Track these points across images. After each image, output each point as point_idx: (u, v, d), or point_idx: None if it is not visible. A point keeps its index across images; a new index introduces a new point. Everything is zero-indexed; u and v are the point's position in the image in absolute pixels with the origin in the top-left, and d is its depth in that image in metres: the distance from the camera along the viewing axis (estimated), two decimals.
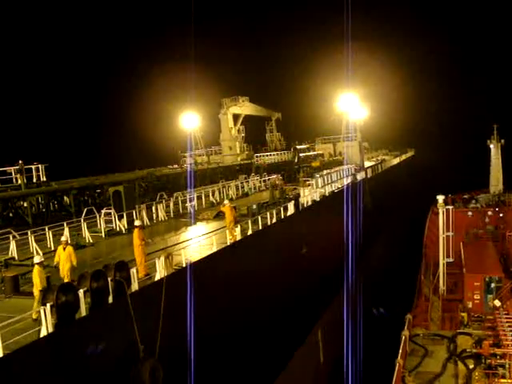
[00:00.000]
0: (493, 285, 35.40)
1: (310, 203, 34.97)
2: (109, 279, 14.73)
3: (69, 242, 19.25)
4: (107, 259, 22.60)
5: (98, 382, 13.61)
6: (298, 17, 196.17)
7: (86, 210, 29.27)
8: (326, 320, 33.03)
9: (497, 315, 31.54)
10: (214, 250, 21.34)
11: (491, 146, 64.32)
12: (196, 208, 36.64)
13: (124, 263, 15.92)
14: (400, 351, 27.74)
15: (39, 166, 34.52)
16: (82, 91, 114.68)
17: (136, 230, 19.78)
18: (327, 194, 39.60)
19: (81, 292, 13.70)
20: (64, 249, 18.70)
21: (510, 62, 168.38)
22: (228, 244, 22.64)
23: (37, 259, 16.15)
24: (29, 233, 24.92)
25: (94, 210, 29.68)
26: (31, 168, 34.21)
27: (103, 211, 29.21)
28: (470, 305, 35.33)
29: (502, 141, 63.85)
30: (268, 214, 28.72)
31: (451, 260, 39.10)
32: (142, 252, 19.28)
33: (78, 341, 13.33)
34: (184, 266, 18.52)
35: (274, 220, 28.63)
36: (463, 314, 33.43)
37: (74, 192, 34.42)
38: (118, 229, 29.09)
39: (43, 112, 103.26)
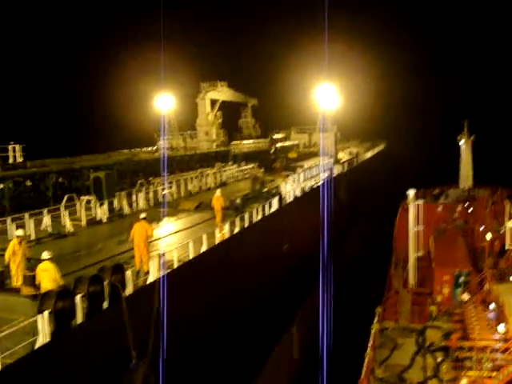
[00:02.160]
0: (462, 279, 35.91)
1: (291, 199, 35.12)
2: (105, 283, 14.45)
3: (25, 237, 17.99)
4: (92, 252, 22.27)
5: None
6: (277, 7, 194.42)
7: (66, 196, 28.46)
8: (301, 316, 33.39)
9: (465, 309, 32.26)
10: (204, 248, 21.17)
11: (461, 141, 65.34)
12: (175, 197, 36.24)
13: (120, 266, 15.68)
14: (370, 344, 28.28)
15: (16, 146, 33.54)
16: (53, 69, 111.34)
17: (143, 223, 19.51)
18: (307, 189, 39.74)
19: (78, 298, 13.38)
20: (20, 243, 17.35)
21: (483, 59, 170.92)
22: (217, 243, 22.51)
23: (45, 254, 15.49)
24: (8, 220, 24.24)
25: (75, 197, 28.92)
26: (7, 148, 33.20)
27: (85, 198, 28.54)
28: (439, 298, 35.89)
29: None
30: (254, 209, 28.59)
31: (421, 254, 39.70)
32: (147, 246, 19.13)
33: (74, 349, 13.07)
34: (175, 266, 18.39)
35: (260, 216, 28.59)
36: (432, 308, 34.04)
37: (52, 176, 33.58)
38: (98, 217, 28.59)
39: (13, 90, 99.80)
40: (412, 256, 38.70)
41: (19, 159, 33.50)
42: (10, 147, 33.29)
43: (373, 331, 29.42)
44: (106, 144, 63.88)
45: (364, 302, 44.30)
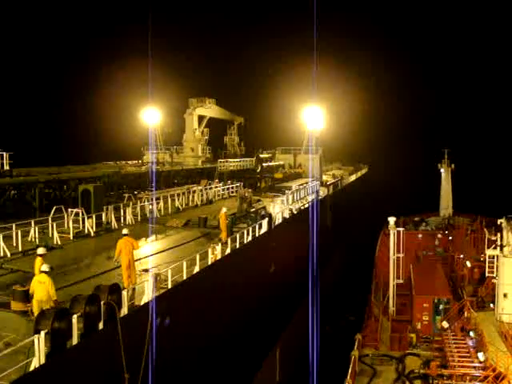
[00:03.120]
0: (441, 306, 36.53)
1: (280, 221, 35.18)
2: (101, 302, 14.20)
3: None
4: (81, 267, 21.90)
5: None
6: (267, 27, 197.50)
7: (54, 208, 27.99)
8: (285, 338, 33.29)
9: (444, 336, 32.61)
10: (197, 269, 21.00)
11: (442, 170, 66.58)
12: (162, 213, 35.97)
13: (117, 286, 15.44)
14: (349, 371, 28.22)
15: (3, 153, 32.95)
16: (41, 80, 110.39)
17: (128, 238, 19.24)
18: (295, 211, 39.83)
19: (75, 318, 13.08)
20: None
21: (467, 90, 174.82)
22: (209, 263, 22.37)
23: (45, 267, 15.25)
24: None
25: (63, 209, 28.47)
26: None
27: (74, 210, 28.05)
28: (418, 326, 36.34)
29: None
30: (245, 230, 28.57)
31: (401, 281, 39.99)
32: (133, 261, 18.96)
33: (68, 371, 12.76)
34: (169, 286, 18.22)
35: (250, 238, 28.54)
36: (412, 335, 34.36)
37: (40, 186, 33.00)
38: (86, 231, 28.09)
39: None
40: (392, 283, 38.98)
41: (6, 167, 32.94)
42: None
43: (352, 358, 29.44)
44: (90, 155, 63.51)
45: (343, 323, 44.52)
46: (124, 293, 15.49)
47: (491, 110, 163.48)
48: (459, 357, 29.51)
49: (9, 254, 22.72)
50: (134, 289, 18.06)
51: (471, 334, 32.31)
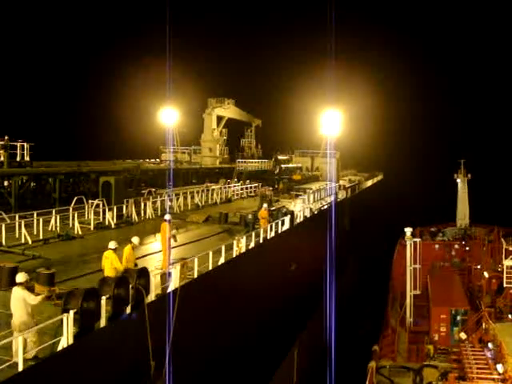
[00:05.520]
0: (459, 317, 35.82)
1: (301, 219, 34.92)
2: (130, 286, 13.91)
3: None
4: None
5: None
6: (286, 30, 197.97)
7: (76, 198, 27.90)
8: (302, 339, 32.86)
9: (462, 348, 31.93)
10: (222, 260, 20.73)
11: (458, 180, 65.76)
12: (182, 209, 35.88)
13: (146, 270, 15.19)
14: (366, 383, 27.69)
15: (24, 144, 32.91)
16: (62, 77, 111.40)
17: (163, 225, 20.05)
18: (315, 211, 39.59)
19: (103, 299, 12.82)
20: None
21: (481, 98, 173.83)
22: (234, 256, 22.06)
23: (112, 245, 16.31)
24: (16, 217, 23.66)
25: (84, 200, 28.35)
26: (16, 145, 32.57)
27: (95, 202, 27.99)
28: (436, 337, 35.60)
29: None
30: (268, 226, 28.35)
31: (418, 292, 39.29)
32: (164, 247, 19.59)
33: (94, 354, 12.51)
34: (195, 276, 17.90)
35: (273, 233, 28.32)
36: (429, 347, 33.63)
37: (60, 177, 32.96)
38: (106, 222, 27.95)
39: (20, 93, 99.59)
40: (409, 294, 38.31)
41: (26, 158, 32.91)
42: (19, 145, 32.67)
43: (370, 370, 28.85)
44: (107, 153, 63.62)
45: (361, 333, 43.88)
46: (152, 278, 15.22)
47: (508, 118, 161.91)
48: (477, 368, 28.86)
49: (30, 241, 22.62)
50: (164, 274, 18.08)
51: (489, 345, 31.64)
